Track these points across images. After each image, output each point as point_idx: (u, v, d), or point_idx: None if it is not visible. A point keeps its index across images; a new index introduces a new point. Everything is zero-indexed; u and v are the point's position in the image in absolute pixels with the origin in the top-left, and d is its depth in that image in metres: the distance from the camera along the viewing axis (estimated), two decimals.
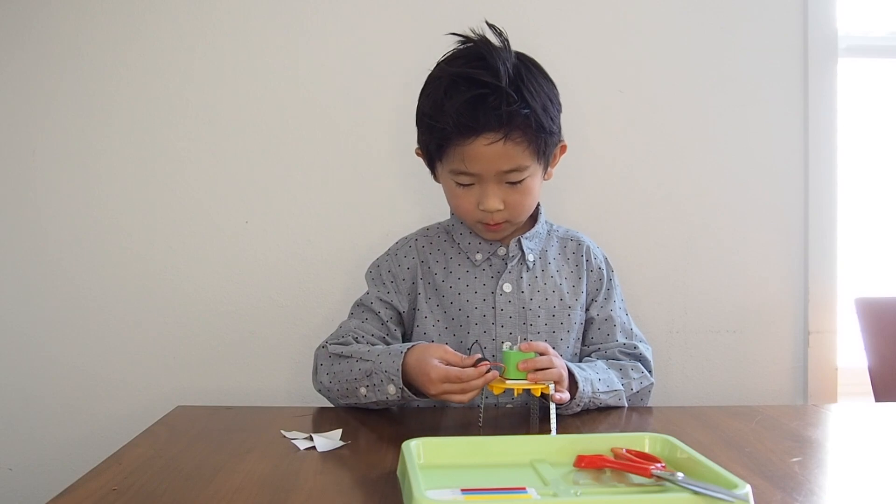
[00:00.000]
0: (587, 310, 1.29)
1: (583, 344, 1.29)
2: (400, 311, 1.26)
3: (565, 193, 1.57)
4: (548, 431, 1.00)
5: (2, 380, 1.55)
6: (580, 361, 1.25)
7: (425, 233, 1.32)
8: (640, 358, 1.27)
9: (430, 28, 1.54)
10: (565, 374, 1.08)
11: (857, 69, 1.69)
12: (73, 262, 1.55)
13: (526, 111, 1.12)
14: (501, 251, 1.26)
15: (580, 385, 1.12)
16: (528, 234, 1.26)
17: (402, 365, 1.08)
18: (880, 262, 1.75)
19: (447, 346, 1.09)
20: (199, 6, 1.55)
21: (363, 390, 1.13)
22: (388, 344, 1.23)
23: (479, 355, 1.05)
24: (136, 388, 1.55)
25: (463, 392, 1.04)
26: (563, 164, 1.55)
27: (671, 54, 1.59)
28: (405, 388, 1.08)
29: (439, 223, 1.34)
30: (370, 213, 1.56)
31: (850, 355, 1.60)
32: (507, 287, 1.24)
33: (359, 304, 1.27)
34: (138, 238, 1.55)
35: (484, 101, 1.11)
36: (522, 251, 1.25)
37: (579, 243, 1.32)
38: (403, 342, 1.27)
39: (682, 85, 1.59)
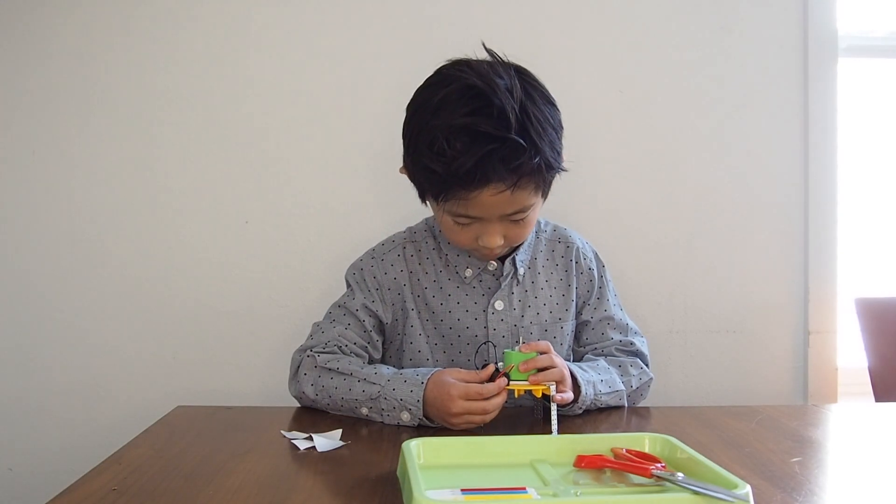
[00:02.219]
0: (580, 313, 1.27)
1: (578, 345, 1.28)
2: (383, 321, 1.22)
3: (565, 194, 1.56)
4: (550, 432, 1.00)
5: (2, 380, 1.55)
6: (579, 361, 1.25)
7: (412, 237, 1.26)
8: (638, 353, 1.26)
9: (431, 27, 1.55)
10: (567, 373, 1.08)
11: (857, 69, 1.69)
12: (72, 262, 1.55)
13: (536, 159, 1.04)
14: (491, 266, 1.21)
15: (582, 388, 1.11)
16: (520, 251, 1.22)
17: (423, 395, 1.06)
18: (880, 262, 1.75)
19: (460, 369, 1.08)
20: (200, 8, 1.55)
21: (365, 410, 1.11)
22: (369, 353, 1.21)
23: (493, 367, 1.04)
24: (136, 388, 1.55)
25: (484, 412, 1.03)
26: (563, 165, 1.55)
27: (671, 54, 1.59)
28: (423, 419, 1.07)
29: (426, 220, 1.29)
30: (371, 213, 1.56)
31: (850, 355, 1.60)
32: (499, 305, 1.21)
33: (340, 307, 1.23)
34: (138, 238, 1.55)
35: (491, 157, 1.01)
36: (515, 267, 1.21)
37: (567, 245, 1.27)
38: (384, 353, 1.25)
39: (682, 85, 1.59)
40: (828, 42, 1.59)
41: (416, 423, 1.08)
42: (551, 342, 1.19)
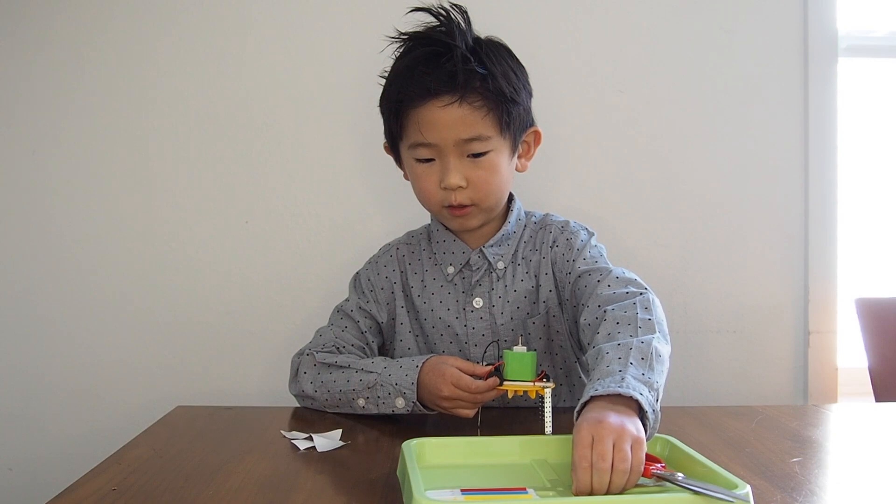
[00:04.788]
0: (569, 282, 1.15)
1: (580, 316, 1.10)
2: (378, 321, 1.23)
3: (565, 193, 1.57)
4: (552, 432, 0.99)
5: (2, 380, 1.55)
6: (584, 346, 1.07)
7: (408, 239, 1.29)
8: (631, 294, 1.05)
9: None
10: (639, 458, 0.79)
11: (857, 69, 1.69)
12: (72, 263, 1.55)
13: (483, 72, 1.08)
14: (473, 259, 1.19)
15: (648, 415, 0.84)
16: (492, 241, 1.19)
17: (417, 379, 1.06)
18: (880, 262, 1.75)
19: (458, 358, 1.08)
20: (201, 8, 1.55)
21: (361, 402, 1.11)
22: (366, 354, 1.22)
23: (491, 368, 1.04)
24: (136, 389, 1.55)
25: (473, 403, 1.03)
26: (563, 164, 1.55)
27: (671, 54, 1.59)
28: (417, 403, 1.06)
29: (427, 227, 1.29)
30: (371, 213, 1.56)
31: (850, 355, 1.60)
32: (478, 302, 1.19)
33: (339, 311, 1.25)
34: (138, 238, 1.55)
35: (437, 59, 1.08)
36: (489, 261, 1.19)
37: (550, 231, 1.21)
38: (380, 353, 1.25)
39: (682, 85, 1.59)
40: (828, 42, 1.59)
41: (409, 410, 1.07)
42: (526, 338, 1.19)
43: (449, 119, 1.08)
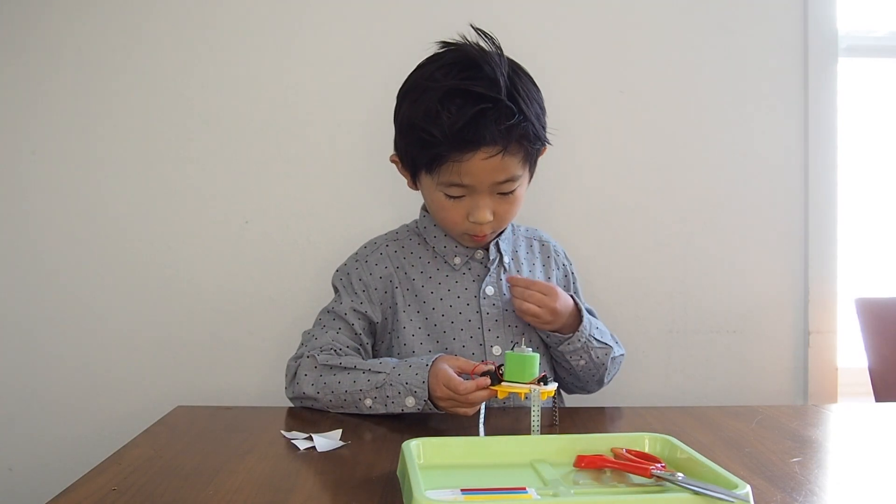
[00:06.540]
0: None
1: None
2: (373, 321, 1.23)
3: (565, 193, 1.57)
4: (552, 432, 0.99)
5: (2, 380, 1.55)
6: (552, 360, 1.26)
7: (395, 237, 1.29)
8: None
9: (430, 27, 1.54)
10: (556, 306, 1.16)
11: (857, 69, 1.69)
12: (72, 262, 1.55)
13: (524, 124, 1.11)
14: (479, 254, 1.25)
15: (584, 318, 1.18)
16: (501, 238, 1.26)
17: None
18: (880, 262, 1.75)
19: (458, 357, 1.10)
20: (199, 8, 1.55)
21: (369, 402, 1.11)
22: (361, 355, 1.22)
23: (488, 366, 1.04)
24: (136, 388, 1.55)
25: (467, 404, 1.04)
26: (563, 164, 1.55)
27: (671, 54, 1.59)
28: (428, 401, 1.07)
29: (406, 226, 1.31)
30: (371, 213, 1.56)
31: (850, 355, 1.60)
32: (490, 290, 1.23)
33: (329, 312, 1.24)
34: (138, 238, 1.55)
35: (484, 116, 1.09)
36: (500, 253, 1.25)
37: (542, 243, 1.33)
38: (374, 353, 1.26)
39: (682, 85, 1.59)
40: (828, 42, 1.59)
41: (420, 408, 1.08)
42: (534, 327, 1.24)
43: (489, 167, 1.11)
